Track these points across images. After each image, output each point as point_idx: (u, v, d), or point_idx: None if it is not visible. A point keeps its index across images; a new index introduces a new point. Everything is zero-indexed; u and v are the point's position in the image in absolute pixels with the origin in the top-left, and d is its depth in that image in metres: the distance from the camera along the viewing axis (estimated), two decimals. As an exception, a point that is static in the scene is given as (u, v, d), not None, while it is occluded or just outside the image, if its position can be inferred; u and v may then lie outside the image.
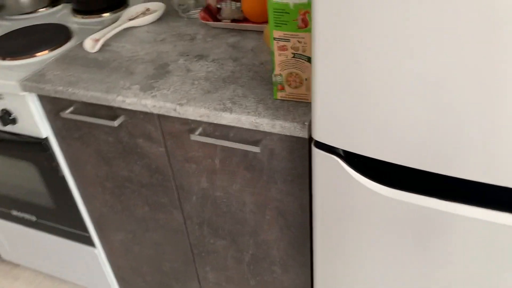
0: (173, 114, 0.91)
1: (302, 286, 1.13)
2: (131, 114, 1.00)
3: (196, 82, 0.96)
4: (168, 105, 0.91)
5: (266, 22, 1.13)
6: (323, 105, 0.71)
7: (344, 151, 0.76)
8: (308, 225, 0.99)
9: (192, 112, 0.89)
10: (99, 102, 0.98)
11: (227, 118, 0.86)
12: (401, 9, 0.57)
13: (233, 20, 1.17)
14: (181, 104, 0.90)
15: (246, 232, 1.09)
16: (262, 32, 1.15)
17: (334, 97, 0.69)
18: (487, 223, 0.69)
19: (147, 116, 0.98)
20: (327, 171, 0.78)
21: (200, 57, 1.05)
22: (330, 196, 0.82)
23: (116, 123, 1.00)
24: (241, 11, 1.17)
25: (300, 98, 0.85)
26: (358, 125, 0.70)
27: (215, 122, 0.88)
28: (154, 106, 0.92)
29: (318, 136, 0.75)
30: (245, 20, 1.16)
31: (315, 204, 0.85)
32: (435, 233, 0.74)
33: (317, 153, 0.78)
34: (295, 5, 0.73)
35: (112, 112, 1.02)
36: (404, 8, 0.57)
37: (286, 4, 0.73)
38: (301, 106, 0.85)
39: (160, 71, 1.02)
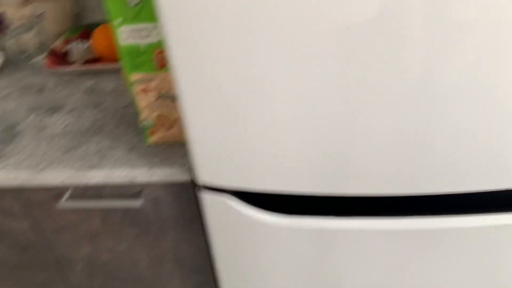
0: (32, 183, 0.79)
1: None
2: (-20, 191, 0.84)
3: (53, 141, 0.84)
4: (24, 174, 0.78)
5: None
6: (200, 146, 0.66)
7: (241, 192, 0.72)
8: (209, 267, 0.93)
9: (54, 176, 0.77)
10: None
11: (97, 176, 0.77)
12: (259, 35, 0.54)
13: (85, 62, 1.06)
14: (39, 170, 0.78)
15: (146, 289, 0.99)
16: (119, 70, 1.06)
17: (209, 136, 0.64)
18: (381, 232, 0.70)
19: (1, 190, 0.84)
20: (218, 211, 0.73)
21: (54, 109, 0.93)
22: (227, 235, 0.77)
23: (-38, 206, 0.83)
24: (92, 51, 1.07)
25: (174, 140, 0.78)
26: (240, 161, 0.66)
27: (84, 182, 0.78)
28: (6, 178, 0.78)
29: (201, 178, 0.70)
30: (98, 60, 1.07)
31: (214, 246, 0.80)
32: (338, 250, 0.73)
33: (204, 196, 0.72)
34: (147, 46, 0.66)
35: (-46, 193, 0.85)
36: (263, 33, 0.54)
37: (137, 46, 0.66)
38: (177, 148, 0.79)
39: (8, 134, 0.87)
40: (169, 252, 0.90)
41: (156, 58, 0.67)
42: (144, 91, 0.72)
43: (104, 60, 1.06)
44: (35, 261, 0.96)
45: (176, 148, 0.79)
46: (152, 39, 0.65)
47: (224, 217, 0.73)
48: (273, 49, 0.55)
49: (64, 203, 0.80)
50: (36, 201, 0.84)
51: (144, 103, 0.73)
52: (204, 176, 0.70)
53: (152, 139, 0.78)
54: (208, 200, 0.72)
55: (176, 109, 0.74)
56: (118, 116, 0.89)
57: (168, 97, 0.72)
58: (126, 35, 0.65)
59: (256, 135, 0.63)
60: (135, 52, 0.67)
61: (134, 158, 0.78)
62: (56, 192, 0.83)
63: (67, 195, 0.81)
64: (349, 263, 0.74)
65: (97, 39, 1.04)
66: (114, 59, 1.05)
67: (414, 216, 0.68)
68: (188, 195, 0.80)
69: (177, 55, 0.58)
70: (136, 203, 0.79)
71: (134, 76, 0.70)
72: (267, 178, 0.67)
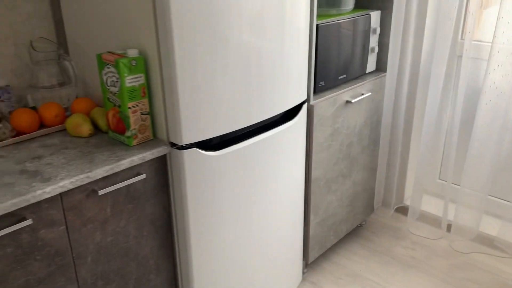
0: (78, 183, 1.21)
1: (170, 281, 1.58)
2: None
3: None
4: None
5: (36, 128, 1.47)
6: (185, 113, 1.35)
7: (198, 143, 1.42)
8: (168, 223, 1.50)
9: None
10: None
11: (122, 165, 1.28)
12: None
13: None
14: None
15: (131, 259, 1.44)
16: (49, 134, 1.46)
17: (193, 107, 1.35)
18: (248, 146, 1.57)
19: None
20: (192, 161, 1.41)
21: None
22: (199, 183, 1.43)
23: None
24: (13, 129, 1.43)
25: (147, 139, 1.40)
26: (207, 119, 1.39)
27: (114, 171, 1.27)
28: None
29: (184, 139, 1.38)
30: (18, 134, 1.44)
31: (187, 197, 1.44)
32: (246, 160, 1.55)
33: (182, 154, 1.39)
34: (139, 85, 1.31)
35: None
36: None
37: (133, 86, 1.30)
38: (148, 143, 1.41)
39: None
40: (148, 217, 1.45)
41: (142, 91, 1.32)
42: (134, 111, 1.33)
43: (23, 132, 1.45)
44: (60, 266, 1.25)
45: (147, 144, 1.40)
46: (141, 82, 1.31)
47: (194, 161, 1.41)
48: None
49: (102, 191, 1.25)
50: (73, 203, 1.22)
51: (133, 119, 1.33)
52: (186, 138, 1.37)
53: (135, 141, 1.37)
54: (186, 154, 1.39)
55: (148, 119, 1.38)
56: (91, 150, 1.38)
57: (145, 113, 1.36)
58: (129, 81, 1.28)
59: (220, 99, 1.38)
60: (133, 89, 1.30)
61: (131, 152, 1.34)
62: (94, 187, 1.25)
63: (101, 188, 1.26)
64: (250, 168, 1.57)
65: (17, 119, 1.43)
66: (30, 131, 1.46)
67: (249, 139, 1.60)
68: (161, 166, 1.43)
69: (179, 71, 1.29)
70: (141, 177, 1.34)
71: (130, 104, 1.31)
72: (218, 127, 1.42)
